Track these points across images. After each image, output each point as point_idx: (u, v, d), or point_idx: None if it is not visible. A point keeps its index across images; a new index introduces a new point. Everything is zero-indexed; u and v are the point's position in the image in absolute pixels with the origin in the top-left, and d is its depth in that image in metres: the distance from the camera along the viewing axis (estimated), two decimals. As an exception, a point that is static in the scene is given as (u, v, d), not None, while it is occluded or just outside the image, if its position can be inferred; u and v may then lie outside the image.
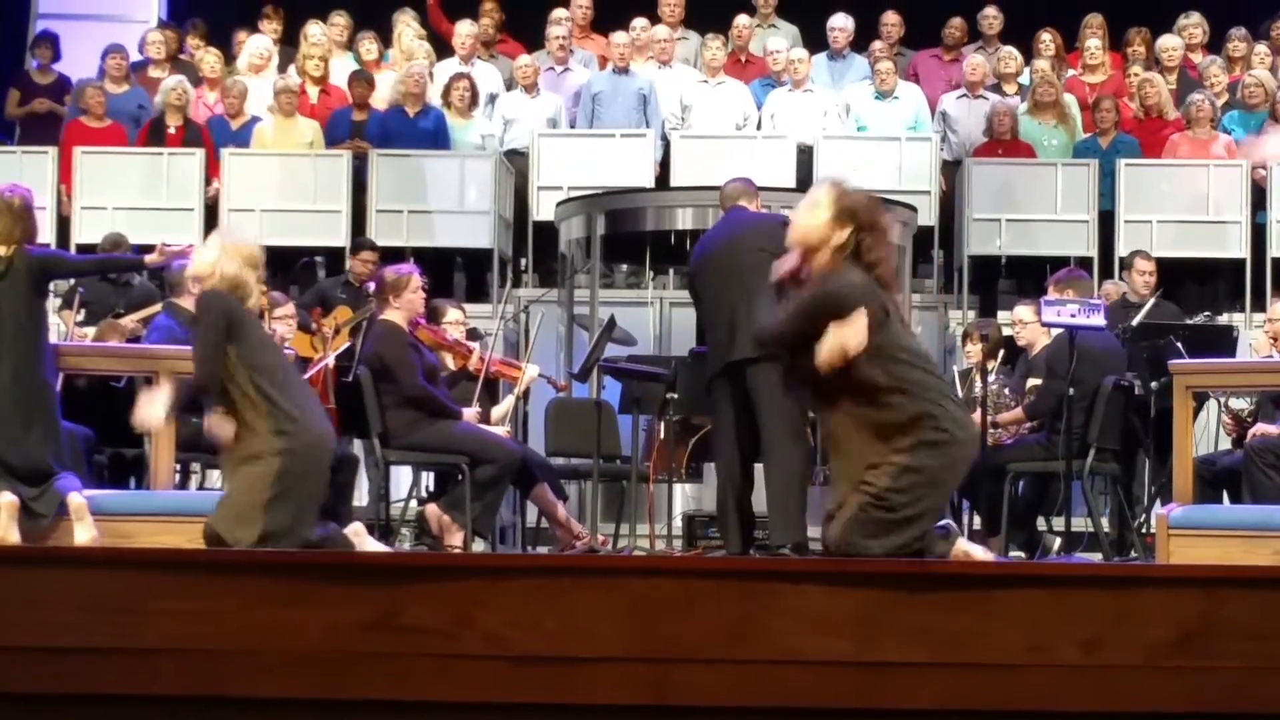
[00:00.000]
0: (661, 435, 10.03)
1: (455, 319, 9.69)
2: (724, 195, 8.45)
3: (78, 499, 7.45)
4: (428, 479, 9.85)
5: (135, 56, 13.94)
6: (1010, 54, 13.57)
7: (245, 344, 6.66)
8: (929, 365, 5.98)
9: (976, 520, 9.43)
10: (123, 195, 12.64)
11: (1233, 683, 4.40)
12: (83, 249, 11.59)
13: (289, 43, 14.07)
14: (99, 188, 12.66)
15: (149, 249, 8.74)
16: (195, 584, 4.45)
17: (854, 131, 13.25)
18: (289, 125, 12.92)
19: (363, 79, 13.28)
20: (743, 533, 7.82)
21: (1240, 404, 9.33)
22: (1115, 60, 13.93)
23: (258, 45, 13.81)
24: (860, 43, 14.05)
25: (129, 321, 9.85)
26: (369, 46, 13.81)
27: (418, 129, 12.92)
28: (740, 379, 7.79)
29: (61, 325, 10.28)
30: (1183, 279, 12.19)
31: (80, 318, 10.13)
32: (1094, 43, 13.64)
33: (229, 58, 14.00)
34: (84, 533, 7.38)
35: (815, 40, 14.01)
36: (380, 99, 13.31)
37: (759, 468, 7.99)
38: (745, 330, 7.77)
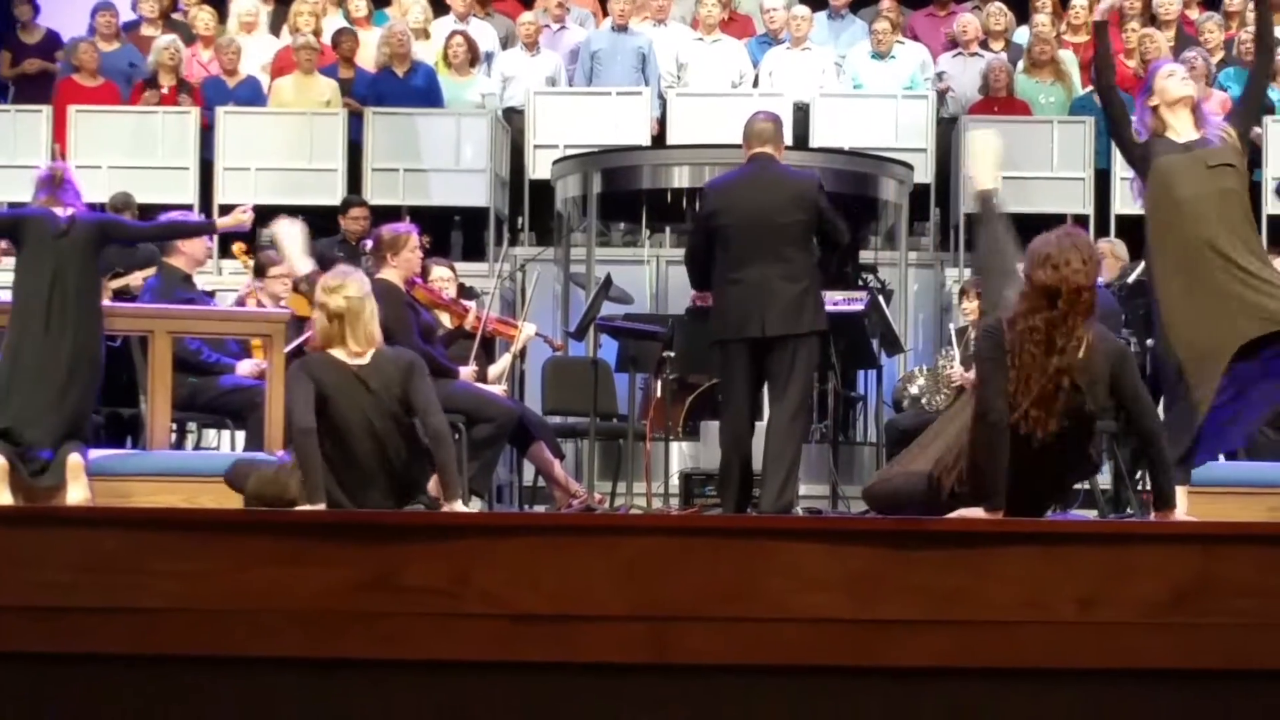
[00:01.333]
0: (658, 393, 10.04)
1: (444, 277, 9.68)
2: (751, 134, 8.04)
3: (76, 459, 7.48)
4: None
5: (125, 14, 13.91)
6: (999, 10, 13.55)
7: (323, 424, 6.52)
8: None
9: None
10: (117, 154, 12.63)
11: (1228, 639, 4.41)
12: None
13: (285, 1, 14.04)
14: (93, 146, 12.64)
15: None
16: (193, 543, 4.46)
17: (851, 90, 13.23)
18: (309, 83, 12.89)
19: (348, 34, 13.25)
20: (742, 493, 7.83)
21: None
22: (1111, 17, 13.88)
23: (245, 4, 13.79)
24: (859, 1, 14.02)
25: (136, 279, 9.84)
26: (357, 4, 13.78)
27: (409, 88, 12.90)
28: (764, 349, 7.77)
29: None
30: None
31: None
32: (1079, 0, 13.62)
33: (224, 16, 13.97)
34: (78, 492, 7.42)
35: (813, -1, 13.99)
36: (368, 59, 13.28)
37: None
38: (779, 305, 7.73)
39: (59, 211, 7.85)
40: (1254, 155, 12.32)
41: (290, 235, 7.80)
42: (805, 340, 7.79)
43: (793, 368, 7.74)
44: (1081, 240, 5.94)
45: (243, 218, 8.64)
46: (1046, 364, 5.74)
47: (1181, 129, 6.80)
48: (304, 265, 7.68)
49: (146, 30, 13.75)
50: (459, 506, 6.62)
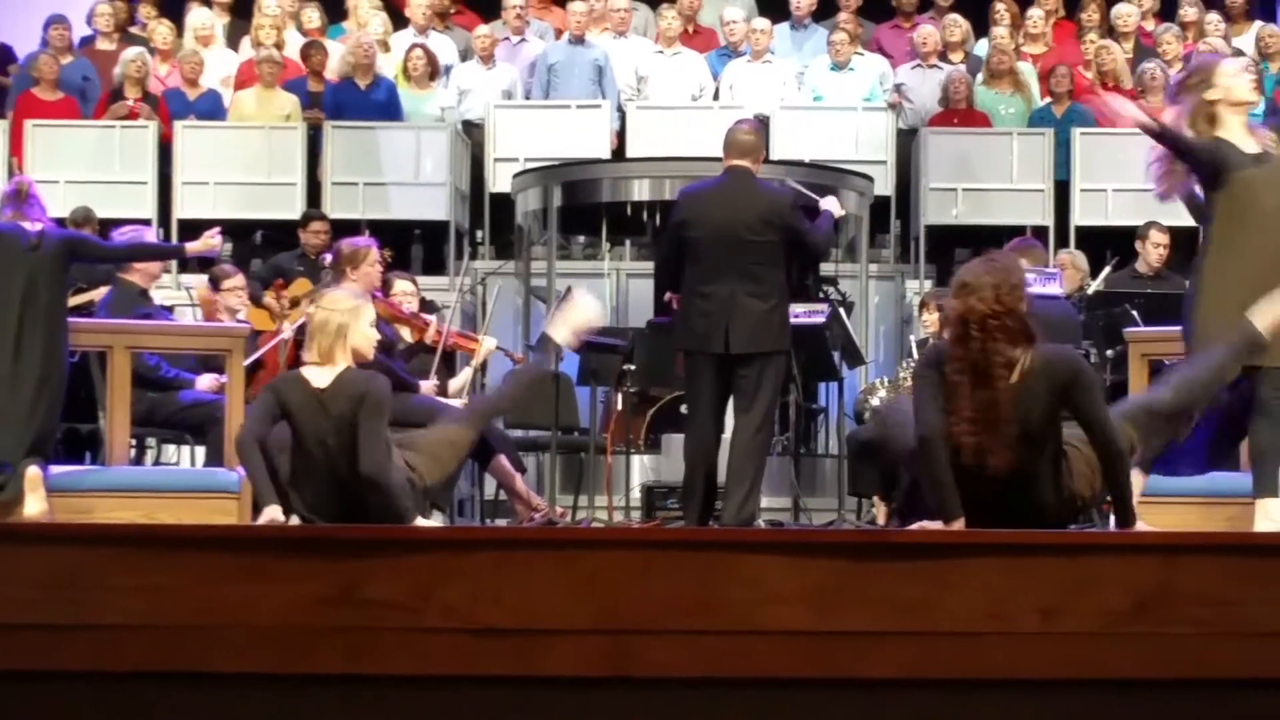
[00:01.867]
0: (619, 406, 10.04)
1: (406, 291, 9.67)
2: (730, 144, 7.98)
3: (34, 471, 7.44)
4: (385, 452, 9.82)
5: (79, 29, 13.86)
6: (955, 22, 13.58)
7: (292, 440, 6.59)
8: None
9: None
10: (75, 168, 12.58)
11: (1188, 649, 4.42)
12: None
13: (242, 15, 14.01)
14: (51, 161, 12.58)
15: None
16: (154, 559, 4.43)
17: (811, 102, 13.25)
18: (270, 96, 12.88)
19: (318, 49, 13.24)
20: (705, 506, 7.84)
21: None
22: (1069, 28, 13.96)
23: (199, 19, 13.77)
24: (822, 13, 14.05)
25: (99, 294, 9.80)
26: (310, 15, 13.78)
27: (370, 101, 12.89)
28: (730, 365, 7.77)
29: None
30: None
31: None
32: (1036, 12, 13.68)
33: (182, 30, 13.94)
34: (35, 505, 7.38)
35: (777, 9, 13.99)
36: (330, 70, 13.28)
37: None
38: (746, 323, 7.73)
39: (27, 226, 7.83)
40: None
41: (580, 307, 7.43)
42: (772, 358, 7.81)
43: (759, 384, 7.76)
44: (1001, 265, 5.84)
45: (212, 242, 8.61)
46: (976, 397, 5.70)
47: (1239, 135, 6.60)
48: (559, 334, 7.35)
49: (102, 44, 13.71)
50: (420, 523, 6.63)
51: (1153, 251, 10.69)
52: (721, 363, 7.78)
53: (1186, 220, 9.20)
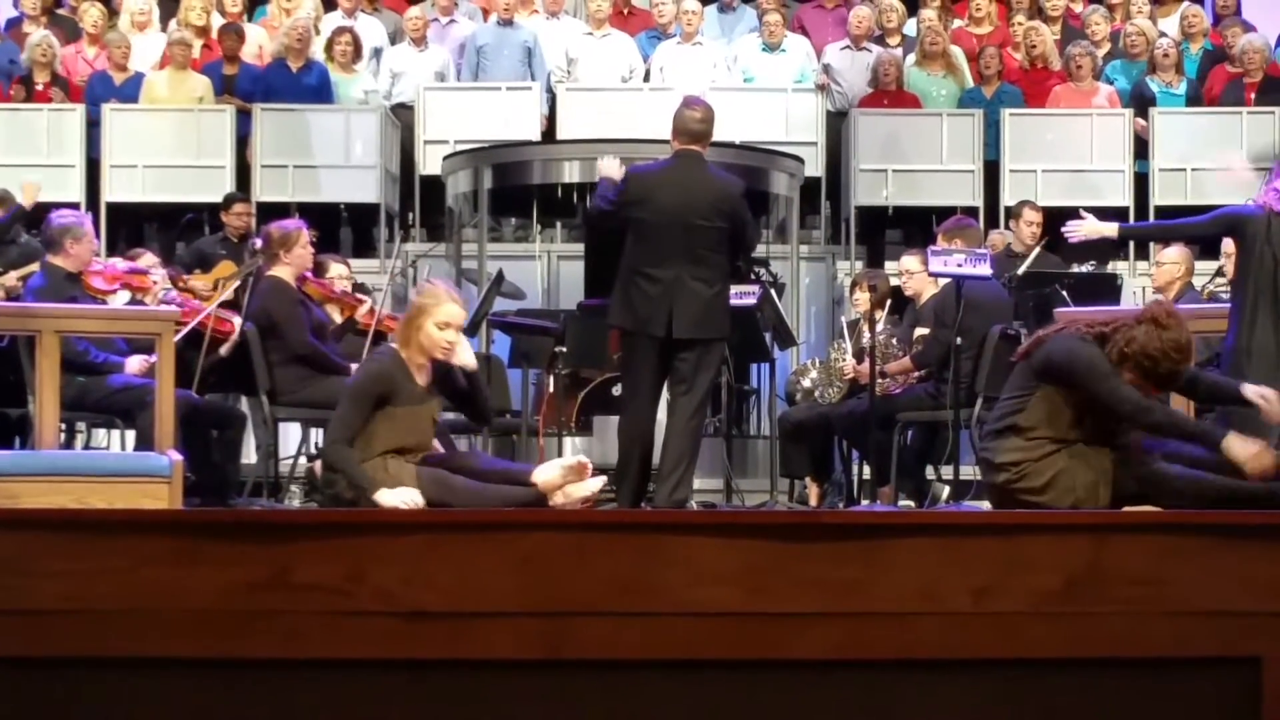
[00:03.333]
0: (551, 389, 10.04)
1: (341, 274, 9.64)
2: (679, 129, 7.93)
3: (-45, 457, 7.41)
4: (316, 435, 9.80)
5: (4, 10, 13.76)
6: (891, 5, 13.62)
7: None
8: None
9: (866, 470, 9.49)
10: (1, 152, 12.49)
11: (1116, 628, 4.44)
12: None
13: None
14: (-24, 144, 12.51)
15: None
16: (84, 544, 4.40)
17: (741, 84, 13.26)
18: (181, 78, 12.80)
19: (231, 32, 13.16)
20: (639, 486, 7.84)
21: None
22: (1000, 11, 14.03)
23: (135, 3, 13.66)
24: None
25: (10, 279, 9.73)
26: (233, -1, 13.74)
27: (301, 84, 12.83)
28: (671, 347, 7.76)
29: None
30: (1067, 228, 12.32)
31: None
32: (979, -3, 13.74)
33: (113, 12, 13.84)
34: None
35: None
36: (250, 54, 13.20)
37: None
38: (691, 308, 7.72)
39: None
40: (1141, 146, 12.48)
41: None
42: (713, 344, 7.82)
43: (697, 369, 7.76)
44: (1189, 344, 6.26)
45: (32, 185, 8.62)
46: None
47: None
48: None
49: (29, 27, 13.61)
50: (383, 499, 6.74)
51: (1025, 230, 10.96)
52: (662, 346, 7.77)
53: (1060, 201, 9.37)
